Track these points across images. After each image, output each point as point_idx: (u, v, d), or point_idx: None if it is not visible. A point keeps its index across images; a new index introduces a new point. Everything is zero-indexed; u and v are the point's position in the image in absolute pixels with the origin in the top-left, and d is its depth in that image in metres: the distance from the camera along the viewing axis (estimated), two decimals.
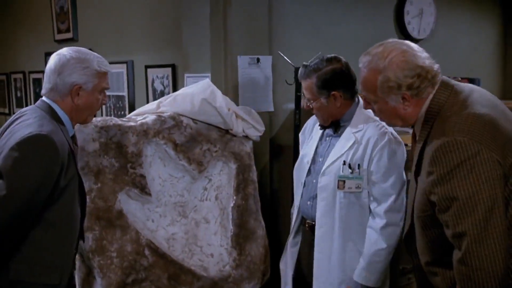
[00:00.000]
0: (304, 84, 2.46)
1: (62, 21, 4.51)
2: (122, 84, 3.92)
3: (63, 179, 2.03)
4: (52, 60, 2.13)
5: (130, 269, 2.63)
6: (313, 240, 2.52)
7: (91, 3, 4.27)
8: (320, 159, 2.54)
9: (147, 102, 3.60)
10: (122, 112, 3.91)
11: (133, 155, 2.65)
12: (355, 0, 3.74)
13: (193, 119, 2.77)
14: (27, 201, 1.94)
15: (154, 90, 3.64)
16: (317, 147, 2.58)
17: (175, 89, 3.42)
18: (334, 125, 2.52)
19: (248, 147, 2.90)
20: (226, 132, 2.84)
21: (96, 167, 2.58)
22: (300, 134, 2.79)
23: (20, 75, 5.18)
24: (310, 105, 2.46)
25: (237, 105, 2.96)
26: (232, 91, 3.05)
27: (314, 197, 2.52)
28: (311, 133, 2.68)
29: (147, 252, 2.67)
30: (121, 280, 2.60)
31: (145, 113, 2.79)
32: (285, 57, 2.97)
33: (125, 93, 3.91)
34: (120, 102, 3.98)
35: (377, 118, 2.34)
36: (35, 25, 5.00)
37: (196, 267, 2.77)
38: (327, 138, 2.56)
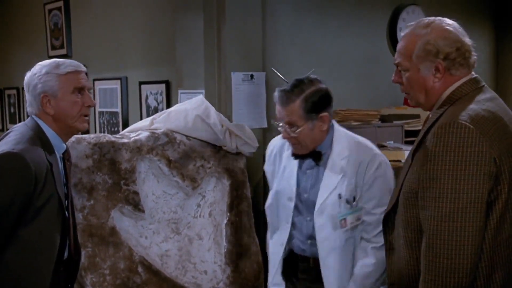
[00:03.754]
0: (285, 110, 2.21)
1: (56, 37, 4.52)
2: (116, 100, 3.92)
3: (38, 198, 1.95)
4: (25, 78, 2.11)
5: (123, 286, 2.61)
6: (318, 275, 2.32)
7: (85, 20, 4.29)
8: (306, 195, 2.32)
9: (141, 118, 3.59)
10: (116, 128, 3.91)
11: (126, 171, 2.64)
12: (349, 17, 3.76)
13: (186, 136, 2.77)
14: None
15: (148, 106, 3.64)
16: (297, 183, 2.34)
17: (169, 105, 3.42)
18: (314, 155, 2.29)
19: (241, 163, 2.90)
20: (219, 148, 2.83)
21: (89, 184, 2.57)
22: (266, 166, 2.53)
23: (14, 91, 5.18)
24: (291, 134, 2.22)
25: (231, 121, 2.97)
26: (225, 107, 3.05)
27: (313, 237, 2.32)
28: (280, 163, 2.43)
29: (140, 269, 2.65)
30: None
31: (139, 130, 2.79)
32: (278, 74, 2.98)
33: (118, 109, 3.91)
34: (113, 118, 3.98)
35: (359, 137, 2.31)
36: (30, 41, 5.01)
37: (190, 284, 2.75)
38: (308, 171, 2.32)
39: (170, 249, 2.77)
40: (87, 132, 4.10)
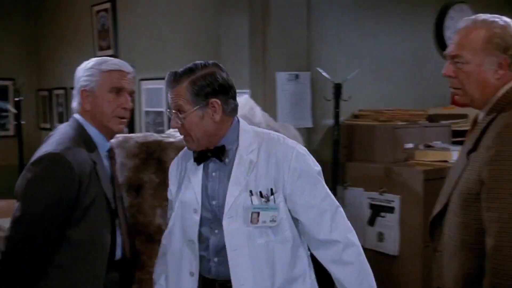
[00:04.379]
0: (173, 92, 1.93)
1: (103, 38, 4.60)
2: (161, 100, 3.97)
3: (84, 198, 1.96)
4: None
5: None
6: None
7: (132, 21, 4.35)
8: (214, 202, 1.96)
9: None
10: (161, 128, 3.96)
11: None
12: (395, 15, 3.72)
13: None
14: (42, 221, 1.91)
15: None
16: (204, 190, 1.99)
17: None
18: (217, 151, 1.97)
19: None
20: None
21: (137, 183, 2.60)
22: (170, 171, 2.17)
23: (62, 91, 5.30)
24: (180, 121, 1.92)
25: (276, 121, 2.96)
26: (270, 107, 3.06)
27: (221, 250, 1.94)
28: (185, 172, 2.07)
29: None
30: None
31: None
32: (323, 73, 2.97)
33: (164, 109, 3.96)
34: (159, 117, 4.03)
35: (270, 132, 2.04)
36: (77, 42, 5.12)
37: None
38: (214, 174, 1.99)
39: None
40: (133, 131, 4.18)
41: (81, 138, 2.03)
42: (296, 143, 2.03)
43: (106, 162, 2.10)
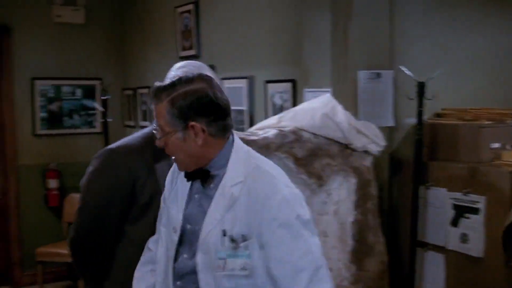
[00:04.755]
0: (155, 109, 1.78)
1: (186, 38, 4.73)
2: (242, 99, 4.04)
3: (140, 196, 2.02)
4: None
5: None
6: None
7: (214, 22, 4.45)
8: (189, 227, 1.83)
9: (266, 117, 3.68)
10: (242, 126, 4.03)
11: None
12: (481, 12, 3.61)
13: (313, 134, 2.81)
14: (98, 212, 2.04)
15: (274, 104, 3.72)
16: (185, 209, 1.85)
17: (294, 104, 3.47)
18: (201, 175, 1.81)
19: (368, 162, 2.89)
20: (346, 146, 2.84)
21: None
22: (167, 177, 1.99)
23: (146, 90, 5.50)
24: (162, 143, 1.78)
25: (357, 119, 2.96)
26: (352, 105, 3.05)
27: (185, 275, 1.83)
28: (175, 184, 1.92)
29: None
30: None
31: (267, 128, 2.86)
32: (407, 72, 2.93)
33: (244, 107, 4.03)
34: (239, 116, 4.10)
35: (264, 161, 1.83)
36: (161, 42, 5.29)
37: None
38: (196, 196, 1.84)
39: None
40: None
41: (150, 138, 2.05)
42: (286, 183, 1.79)
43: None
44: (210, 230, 1.75)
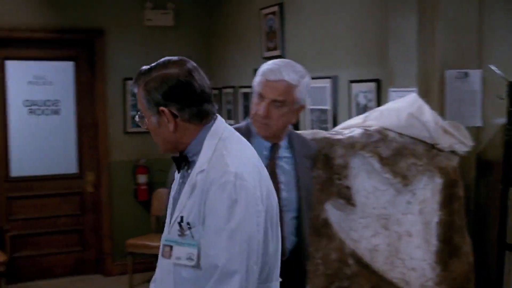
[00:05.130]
0: (136, 94, 1.81)
1: (270, 39, 4.83)
2: (326, 98, 4.09)
3: None
4: None
5: (334, 276, 2.74)
6: None
7: (298, 22, 4.51)
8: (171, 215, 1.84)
9: (350, 116, 3.71)
10: (325, 125, 4.07)
11: (339, 167, 2.77)
12: None
13: (399, 133, 2.81)
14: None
15: (358, 104, 3.74)
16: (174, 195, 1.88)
17: (378, 103, 3.48)
18: (183, 160, 1.80)
19: (454, 162, 2.86)
20: (432, 146, 2.83)
21: None
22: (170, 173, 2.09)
23: (231, 90, 5.64)
24: (145, 127, 1.81)
25: (444, 119, 2.93)
26: (438, 105, 3.03)
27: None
28: (173, 178, 1.95)
29: (350, 261, 2.76)
30: (325, 287, 2.73)
31: (352, 127, 2.89)
32: (497, 71, 2.88)
33: (328, 107, 4.07)
34: (323, 115, 4.15)
35: (233, 147, 1.75)
36: (245, 43, 5.40)
37: (398, 280, 2.79)
38: (180, 181, 1.84)
39: (379, 244, 2.83)
40: (297, 128, 4.34)
41: (247, 135, 2.23)
42: (236, 172, 1.67)
43: (264, 159, 2.25)
44: (176, 216, 1.75)
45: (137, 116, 1.83)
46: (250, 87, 4.77)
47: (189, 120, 1.74)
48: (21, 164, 5.69)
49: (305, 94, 2.37)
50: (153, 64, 1.78)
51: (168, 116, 1.72)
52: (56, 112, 5.75)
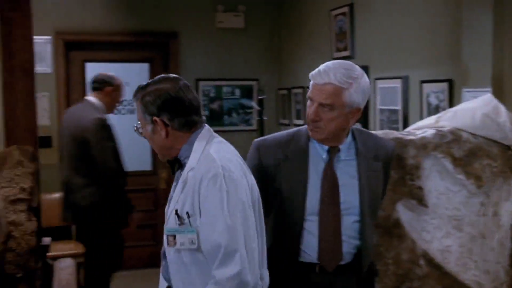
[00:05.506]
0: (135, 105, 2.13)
1: (340, 40, 4.85)
2: (396, 99, 4.07)
3: (272, 185, 2.27)
4: None
5: (404, 277, 2.75)
6: None
7: (368, 23, 4.51)
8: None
9: (421, 117, 3.68)
10: (395, 126, 4.06)
11: (412, 167, 2.77)
12: None
13: (473, 134, 2.79)
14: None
15: (429, 104, 3.71)
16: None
17: (451, 104, 3.44)
18: (176, 163, 2.10)
19: None
20: (507, 148, 2.78)
21: None
22: None
23: (300, 90, 5.69)
24: (143, 135, 2.11)
25: None
26: None
27: (164, 256, 2.15)
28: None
29: (422, 262, 2.76)
30: (395, 287, 2.74)
31: (424, 127, 2.89)
32: None
33: (398, 107, 4.05)
34: (393, 115, 4.14)
35: (218, 146, 2.03)
36: (315, 44, 5.44)
37: (471, 282, 2.76)
38: (175, 183, 2.13)
39: (451, 245, 2.81)
40: (367, 128, 4.34)
41: (296, 136, 2.31)
42: (224, 165, 1.95)
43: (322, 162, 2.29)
44: (171, 211, 2.02)
45: (135, 126, 2.12)
46: None
47: (178, 128, 2.03)
48: None
49: (360, 97, 2.20)
50: (149, 81, 2.09)
51: (160, 125, 2.01)
52: (132, 111, 6.01)
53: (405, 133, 2.86)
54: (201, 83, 6.14)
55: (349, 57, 4.69)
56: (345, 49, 4.78)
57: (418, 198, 2.77)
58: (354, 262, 2.34)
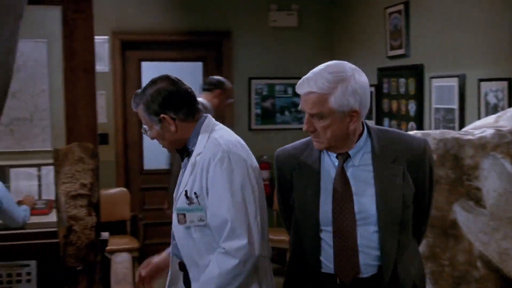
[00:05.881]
0: (137, 113, 2.30)
1: (395, 38, 4.80)
2: (452, 97, 4.01)
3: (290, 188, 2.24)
4: None
5: (461, 279, 2.71)
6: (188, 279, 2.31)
7: (424, 21, 4.45)
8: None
9: (478, 116, 3.62)
10: (452, 125, 4.00)
11: (469, 167, 2.73)
12: None
13: None
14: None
15: (487, 103, 3.64)
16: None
17: (510, 103, 3.37)
18: (185, 151, 2.31)
19: None
20: None
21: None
22: None
23: None
24: (151, 137, 2.30)
25: None
26: None
27: (174, 236, 2.35)
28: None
29: (479, 264, 2.72)
30: None
31: (483, 127, 2.84)
32: None
33: (455, 106, 3.99)
34: (449, 114, 4.07)
35: (223, 134, 2.23)
36: (369, 43, 5.40)
37: None
38: (183, 169, 2.34)
39: (509, 248, 2.75)
40: (421, 128, 4.29)
41: (311, 144, 2.15)
42: (229, 149, 2.15)
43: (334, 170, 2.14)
44: (180, 192, 2.22)
45: (143, 129, 2.29)
46: (374, 86, 4.80)
47: (185, 119, 2.22)
48: (153, 158, 6.10)
49: (352, 98, 2.01)
50: (144, 86, 2.26)
51: (168, 120, 2.20)
52: None
53: (463, 132, 2.82)
54: (254, 82, 6.18)
55: (403, 56, 4.65)
56: (399, 47, 4.72)
57: (476, 199, 2.73)
58: (378, 274, 2.10)
